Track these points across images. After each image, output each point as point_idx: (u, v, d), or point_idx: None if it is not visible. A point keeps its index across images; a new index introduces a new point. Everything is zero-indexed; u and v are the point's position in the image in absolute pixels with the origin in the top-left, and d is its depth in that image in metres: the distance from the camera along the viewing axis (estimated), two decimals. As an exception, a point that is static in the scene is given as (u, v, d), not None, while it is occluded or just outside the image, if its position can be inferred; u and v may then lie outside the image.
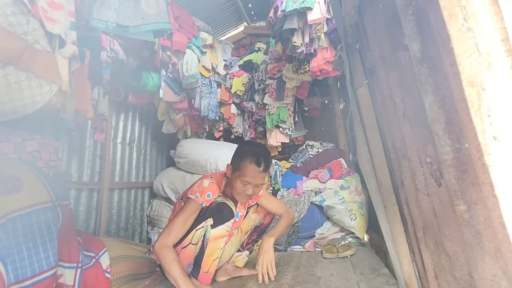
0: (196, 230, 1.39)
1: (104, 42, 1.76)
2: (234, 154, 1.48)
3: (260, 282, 1.41)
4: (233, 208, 1.43)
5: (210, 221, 1.38)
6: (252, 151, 1.38)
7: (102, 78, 1.86)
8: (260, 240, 1.64)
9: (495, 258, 0.50)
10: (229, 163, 1.47)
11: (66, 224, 1.32)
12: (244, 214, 1.65)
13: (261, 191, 1.58)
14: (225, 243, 1.47)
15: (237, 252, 1.74)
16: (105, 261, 1.49)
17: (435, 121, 0.61)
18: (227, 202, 1.41)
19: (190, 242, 1.39)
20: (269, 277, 1.41)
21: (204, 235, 1.38)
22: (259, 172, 1.36)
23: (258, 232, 1.77)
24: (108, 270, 1.47)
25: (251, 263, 1.93)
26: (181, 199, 1.55)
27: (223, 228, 1.39)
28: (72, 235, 1.37)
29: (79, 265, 1.33)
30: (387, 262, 1.69)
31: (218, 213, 1.38)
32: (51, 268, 1.15)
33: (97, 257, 1.47)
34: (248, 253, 1.84)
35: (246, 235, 1.72)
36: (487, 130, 0.34)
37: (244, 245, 1.77)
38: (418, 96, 0.69)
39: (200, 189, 1.38)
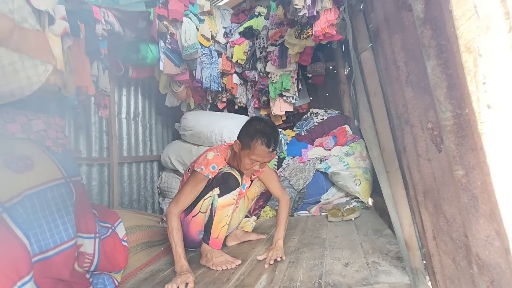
0: (204, 200, 1.45)
1: (97, 14, 1.69)
2: (243, 130, 1.45)
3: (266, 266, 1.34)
4: (239, 178, 1.47)
5: (216, 191, 1.44)
6: (262, 132, 1.36)
7: (99, 52, 1.81)
8: (266, 206, 1.68)
9: (490, 220, 0.52)
10: (237, 138, 1.46)
11: (80, 198, 1.38)
12: (249, 185, 1.71)
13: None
14: (233, 211, 1.54)
15: (245, 218, 1.83)
16: (121, 230, 1.58)
17: (437, 86, 0.59)
18: (232, 172, 1.45)
19: (199, 211, 1.46)
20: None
21: (212, 203, 1.45)
22: (268, 152, 1.39)
23: (264, 198, 1.85)
24: (125, 239, 1.56)
25: (259, 228, 2.03)
26: (188, 170, 1.60)
27: (229, 197, 1.45)
28: (87, 209, 1.45)
29: (97, 235, 1.42)
30: (391, 223, 1.75)
31: (224, 183, 1.43)
32: (71, 239, 1.23)
33: (113, 228, 1.56)
34: (256, 218, 1.94)
35: (253, 202, 1.79)
36: (482, 98, 0.33)
37: (252, 211, 1.86)
38: (421, 60, 0.66)
39: (204, 161, 1.41)
